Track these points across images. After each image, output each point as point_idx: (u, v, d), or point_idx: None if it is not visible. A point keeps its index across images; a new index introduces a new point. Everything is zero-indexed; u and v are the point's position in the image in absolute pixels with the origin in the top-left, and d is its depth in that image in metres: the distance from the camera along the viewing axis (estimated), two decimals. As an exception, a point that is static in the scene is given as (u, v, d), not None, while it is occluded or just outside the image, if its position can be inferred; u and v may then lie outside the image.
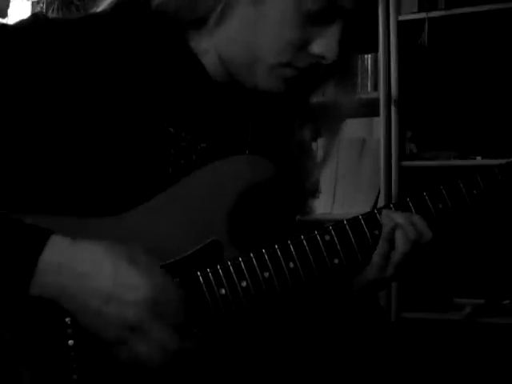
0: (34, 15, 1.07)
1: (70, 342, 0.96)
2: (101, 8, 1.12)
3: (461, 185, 1.14)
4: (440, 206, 1.12)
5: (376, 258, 1.10)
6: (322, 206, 2.95)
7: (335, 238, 1.07)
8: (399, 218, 1.10)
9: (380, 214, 1.10)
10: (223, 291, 1.02)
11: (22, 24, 1.06)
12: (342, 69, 1.15)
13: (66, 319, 0.96)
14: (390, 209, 1.11)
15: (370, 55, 2.90)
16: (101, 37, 1.06)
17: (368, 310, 1.35)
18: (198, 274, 1.01)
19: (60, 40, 1.03)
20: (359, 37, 1.15)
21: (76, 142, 1.02)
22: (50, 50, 1.02)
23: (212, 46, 1.11)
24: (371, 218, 1.10)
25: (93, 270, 0.94)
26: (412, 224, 1.10)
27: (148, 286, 0.94)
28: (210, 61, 1.12)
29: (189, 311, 0.99)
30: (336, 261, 1.07)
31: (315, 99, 1.22)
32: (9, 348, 0.94)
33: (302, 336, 1.21)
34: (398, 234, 1.09)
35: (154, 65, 1.08)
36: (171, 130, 1.07)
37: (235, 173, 1.07)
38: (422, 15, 2.68)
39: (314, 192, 1.27)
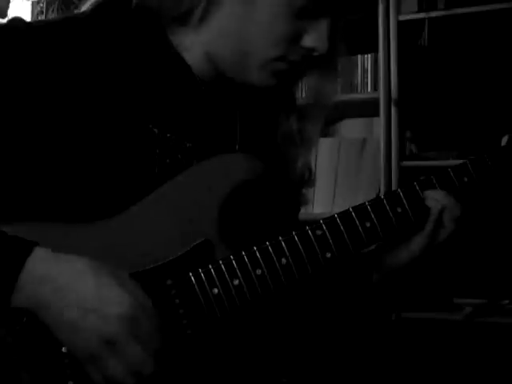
0: (11, 20, 1.06)
1: (64, 348, 0.95)
2: (83, 9, 1.12)
3: (451, 173, 1.14)
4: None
5: (422, 238, 1.13)
6: (322, 206, 2.95)
7: (327, 233, 1.07)
8: (444, 199, 1.12)
9: (371, 206, 1.10)
10: (216, 291, 1.01)
11: None
12: (327, 58, 1.14)
13: None
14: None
15: (369, 55, 2.90)
16: (80, 38, 1.05)
17: (368, 310, 1.35)
18: (190, 274, 1.01)
19: (38, 44, 1.02)
20: (348, 29, 1.15)
21: (58, 146, 1.02)
22: (27, 54, 1.01)
23: (198, 43, 1.10)
24: (361, 210, 1.09)
25: (75, 282, 0.93)
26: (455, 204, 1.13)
27: (131, 304, 0.93)
28: (195, 57, 1.11)
29: (182, 309, 0.99)
30: (328, 255, 1.07)
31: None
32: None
33: (300, 335, 1.21)
34: (446, 216, 1.12)
35: (136, 64, 1.07)
36: (155, 130, 1.06)
37: (223, 171, 1.06)
38: (422, 15, 2.68)
39: (308, 181, 1.26)
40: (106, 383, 0.94)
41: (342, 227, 1.07)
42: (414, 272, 1.19)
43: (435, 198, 1.12)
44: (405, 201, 1.11)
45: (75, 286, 0.93)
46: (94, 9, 1.10)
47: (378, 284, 1.21)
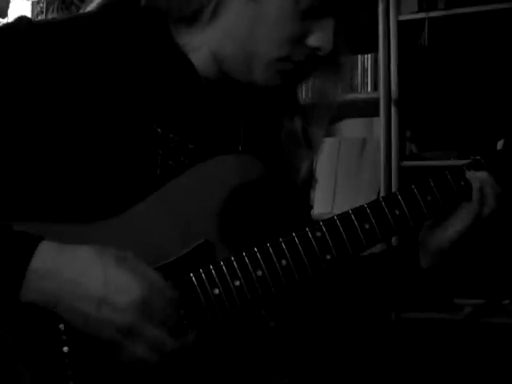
0: (17, 19, 1.06)
1: (65, 348, 0.96)
2: (88, 9, 1.12)
3: (448, 176, 1.16)
4: (429, 198, 1.14)
5: (468, 215, 1.16)
6: (322, 206, 2.95)
7: (326, 235, 1.07)
8: (485, 178, 1.15)
9: (369, 208, 1.10)
10: (217, 291, 1.02)
11: (2, 28, 1.06)
12: (331, 58, 1.14)
13: (60, 326, 0.96)
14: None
15: (369, 55, 2.90)
16: (85, 37, 1.05)
17: (368, 310, 1.35)
18: (191, 275, 1.01)
19: (41, 43, 1.02)
20: (350, 29, 1.16)
21: (61, 145, 1.02)
22: (30, 54, 1.01)
23: (204, 43, 1.10)
24: (360, 212, 1.10)
25: (82, 274, 0.94)
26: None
27: (139, 288, 0.94)
28: (200, 58, 1.11)
29: (183, 309, 1.00)
30: (328, 257, 1.07)
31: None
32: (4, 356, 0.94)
33: (300, 334, 1.21)
34: (488, 192, 1.15)
35: (141, 64, 1.07)
36: (159, 130, 1.06)
37: (223, 172, 1.06)
38: (422, 15, 2.68)
39: (312, 182, 1.27)
40: (131, 360, 0.95)
41: (341, 229, 1.08)
42: (460, 253, 1.22)
43: (477, 177, 1.15)
44: (403, 203, 1.12)
45: (83, 278, 0.94)
46: (101, 8, 1.10)
47: (430, 269, 1.22)
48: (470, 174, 1.16)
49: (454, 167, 1.17)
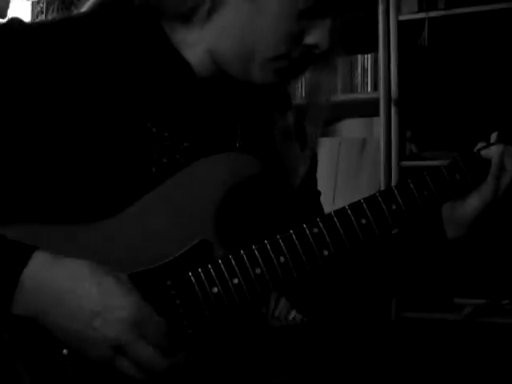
0: (9, 20, 1.06)
1: (65, 351, 0.96)
2: (83, 9, 1.12)
3: (444, 171, 1.16)
4: (425, 192, 1.14)
5: (490, 179, 1.15)
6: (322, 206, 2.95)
7: (323, 230, 1.07)
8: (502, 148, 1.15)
9: (366, 203, 1.10)
10: (215, 290, 1.02)
11: None
12: (326, 55, 1.14)
13: None
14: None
15: (369, 55, 2.90)
16: (78, 37, 1.05)
17: (369, 310, 1.35)
18: (190, 274, 1.01)
19: (34, 44, 1.02)
20: (349, 28, 1.16)
21: (54, 145, 1.01)
22: (23, 55, 1.01)
23: (201, 40, 1.10)
24: (357, 208, 1.10)
25: (77, 289, 0.93)
26: None
27: (133, 306, 0.94)
28: (196, 55, 1.11)
29: (182, 309, 1.00)
30: (326, 252, 1.07)
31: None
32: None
33: (299, 334, 1.21)
34: (507, 159, 1.14)
35: (135, 63, 1.07)
36: (153, 129, 1.06)
37: (219, 171, 1.06)
38: (422, 15, 2.68)
39: (316, 168, 1.28)
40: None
41: (338, 225, 1.08)
42: (487, 221, 1.22)
43: (494, 150, 1.15)
44: (399, 197, 1.12)
45: (77, 293, 0.93)
46: (94, 8, 1.10)
47: (456, 240, 1.23)
48: (485, 152, 1.16)
49: (449, 162, 1.17)
